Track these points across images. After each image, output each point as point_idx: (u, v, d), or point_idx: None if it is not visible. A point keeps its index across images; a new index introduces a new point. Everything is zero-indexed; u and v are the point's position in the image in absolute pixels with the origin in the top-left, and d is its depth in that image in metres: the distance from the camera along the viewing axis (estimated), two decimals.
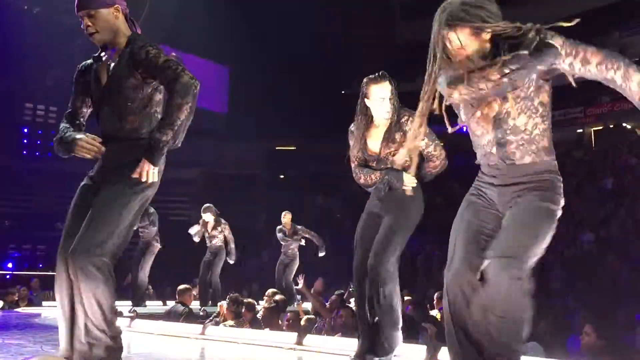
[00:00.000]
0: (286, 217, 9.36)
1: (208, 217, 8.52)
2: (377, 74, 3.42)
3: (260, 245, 16.04)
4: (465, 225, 2.33)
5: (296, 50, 21.02)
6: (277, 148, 23.11)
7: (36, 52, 16.51)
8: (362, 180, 3.51)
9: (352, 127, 3.57)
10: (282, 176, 22.94)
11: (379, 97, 3.36)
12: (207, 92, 23.51)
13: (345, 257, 17.42)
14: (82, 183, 2.73)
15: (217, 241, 8.61)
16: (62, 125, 2.79)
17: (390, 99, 3.38)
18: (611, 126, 19.45)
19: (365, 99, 3.43)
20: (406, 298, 6.40)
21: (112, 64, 2.68)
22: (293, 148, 23.18)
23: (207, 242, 8.62)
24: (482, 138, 2.34)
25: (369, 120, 3.47)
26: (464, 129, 2.49)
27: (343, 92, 23.01)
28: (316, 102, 20.74)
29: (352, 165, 3.57)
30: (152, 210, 7.87)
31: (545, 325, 4.87)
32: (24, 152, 19.60)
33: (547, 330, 4.75)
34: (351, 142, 3.55)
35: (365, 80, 3.43)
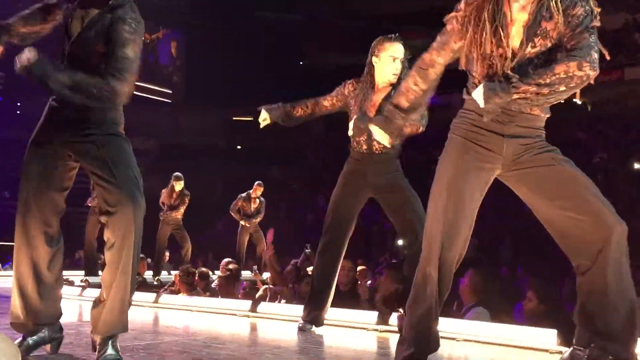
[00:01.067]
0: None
1: (179, 187, 8.46)
2: (392, 35, 3.34)
3: (215, 215, 15.95)
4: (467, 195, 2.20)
5: (254, 20, 20.71)
6: (234, 118, 22.86)
7: None
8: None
9: (351, 87, 3.45)
10: (238, 147, 22.76)
11: (390, 55, 3.28)
12: (164, 60, 23.01)
13: (301, 227, 17.66)
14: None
15: (179, 213, 8.55)
16: None
17: (402, 60, 3.30)
18: (562, 102, 19.91)
19: (374, 57, 3.32)
20: (360, 268, 6.48)
21: (89, 18, 2.42)
22: (250, 119, 22.98)
23: (167, 212, 8.48)
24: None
25: (372, 82, 3.36)
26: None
27: (301, 62, 22.85)
28: (274, 72, 20.54)
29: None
30: None
31: (494, 292, 5.02)
32: None
33: (495, 297, 4.90)
34: (343, 97, 3.46)
35: (379, 38, 3.34)
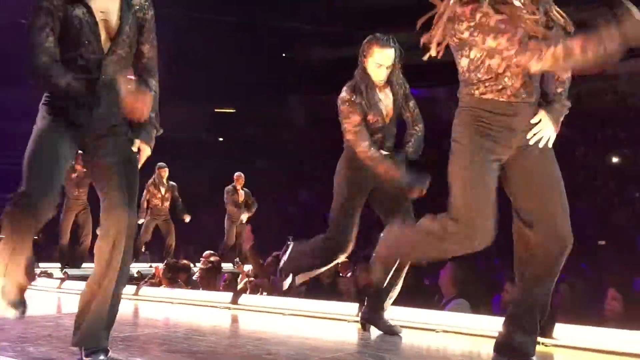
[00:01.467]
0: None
1: (165, 174, 8.46)
2: (385, 37, 3.12)
3: (198, 208, 15.88)
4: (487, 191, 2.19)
5: (236, 11, 20.55)
6: (216, 111, 22.74)
7: None
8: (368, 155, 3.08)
9: (348, 96, 3.16)
10: (221, 139, 22.66)
11: (377, 62, 3.10)
12: None
13: (285, 220, 17.61)
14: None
15: (167, 204, 8.54)
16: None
17: (389, 66, 3.12)
18: None
19: (363, 58, 3.14)
20: (342, 260, 6.47)
21: (114, 11, 2.27)
22: (233, 111, 22.87)
23: (155, 203, 8.43)
24: (505, 72, 2.15)
25: (370, 81, 3.16)
26: None
27: (284, 55, 22.77)
28: (256, 64, 20.45)
29: (352, 136, 3.11)
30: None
31: (473, 284, 5.08)
32: None
33: (475, 289, 4.96)
34: (349, 114, 3.14)
35: (369, 38, 3.14)
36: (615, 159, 13.14)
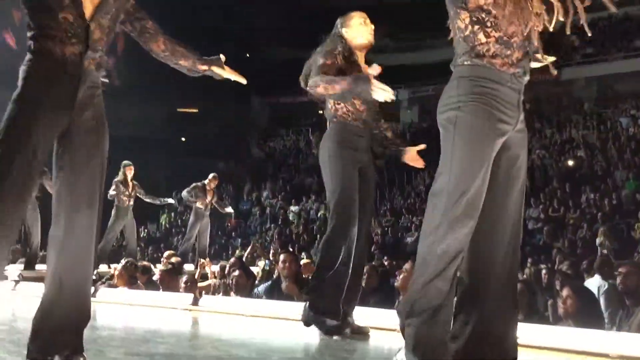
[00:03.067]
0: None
1: (130, 174, 8.27)
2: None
3: (160, 207, 15.68)
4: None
5: (199, 11, 20.38)
6: (178, 110, 22.48)
7: None
8: (319, 89, 2.98)
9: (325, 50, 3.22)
10: (183, 139, 22.42)
11: (361, 20, 3.28)
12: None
13: (247, 220, 17.45)
14: None
15: (132, 202, 8.35)
16: None
17: (371, 28, 3.30)
18: None
19: (344, 29, 3.27)
20: (304, 261, 6.49)
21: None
22: (195, 110, 22.65)
23: (122, 202, 8.24)
24: (514, 35, 2.00)
25: (347, 48, 3.24)
26: None
27: (248, 55, 22.65)
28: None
29: (316, 76, 3.05)
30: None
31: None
32: None
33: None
34: (322, 57, 3.17)
35: (341, 17, 3.34)
36: (570, 162, 13.51)
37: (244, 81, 2.72)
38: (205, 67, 2.67)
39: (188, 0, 20.11)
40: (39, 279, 6.55)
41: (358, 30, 3.30)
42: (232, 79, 2.72)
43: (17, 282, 5.51)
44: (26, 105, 2.24)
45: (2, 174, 2.17)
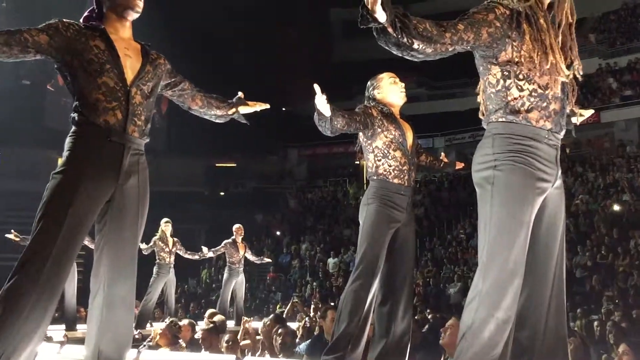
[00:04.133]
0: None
1: (169, 231, 8.38)
2: None
3: (200, 263, 15.76)
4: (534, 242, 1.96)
5: (235, 66, 20.96)
6: (216, 165, 22.88)
7: None
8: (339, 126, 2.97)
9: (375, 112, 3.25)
10: (222, 193, 22.71)
11: (390, 80, 3.34)
12: None
13: (286, 274, 17.40)
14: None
15: (173, 259, 8.41)
16: None
17: (402, 86, 3.36)
18: None
19: (376, 91, 3.33)
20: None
21: (135, 57, 2.48)
22: (233, 165, 23.00)
23: (163, 259, 8.31)
24: (549, 86, 1.97)
25: (381, 106, 3.29)
26: None
27: (283, 109, 23.07)
28: (256, 118, 20.70)
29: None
30: None
31: None
32: None
33: None
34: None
35: (370, 79, 3.40)
36: (616, 207, 13.11)
37: (267, 106, 2.94)
38: (233, 110, 2.82)
39: (223, 53, 20.74)
40: (82, 340, 6.60)
41: (389, 90, 3.36)
42: (259, 110, 2.93)
43: (62, 343, 5.54)
44: (69, 176, 2.30)
45: (47, 243, 2.23)
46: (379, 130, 3.19)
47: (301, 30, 22.98)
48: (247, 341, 5.86)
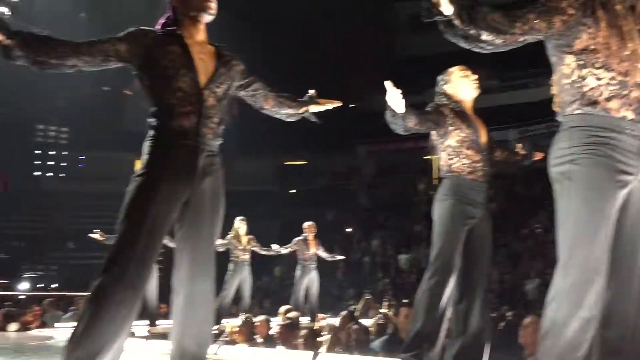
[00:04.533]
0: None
1: (243, 230, 8.63)
2: None
3: (272, 260, 16.01)
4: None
5: (303, 63, 21.09)
6: (286, 163, 23.13)
7: (46, 74, 16.64)
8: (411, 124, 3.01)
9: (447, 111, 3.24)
10: (292, 191, 22.95)
11: (461, 73, 3.31)
12: None
13: (357, 270, 17.44)
14: None
15: (248, 256, 8.65)
16: None
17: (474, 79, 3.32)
18: None
19: (447, 86, 3.31)
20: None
21: (207, 61, 2.53)
22: (303, 163, 23.19)
23: (237, 256, 8.54)
24: (629, 73, 1.87)
25: (452, 102, 3.26)
26: None
27: (352, 105, 23.03)
28: (324, 116, 20.79)
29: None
30: None
31: None
32: (37, 173, 19.71)
33: None
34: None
35: (441, 74, 3.36)
36: None
37: (338, 104, 2.92)
38: (304, 109, 2.82)
39: (289, 50, 20.94)
40: (163, 335, 6.84)
41: (460, 84, 3.31)
42: (331, 108, 2.93)
43: (146, 338, 5.76)
44: (148, 179, 2.40)
45: (129, 244, 2.32)
46: (451, 128, 3.14)
47: (366, 24, 22.84)
48: (325, 337, 5.90)
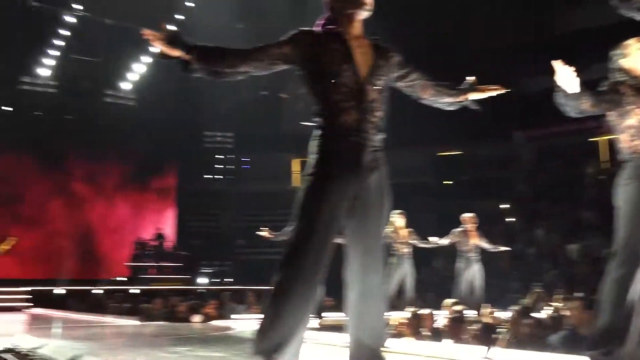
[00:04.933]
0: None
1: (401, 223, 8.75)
2: None
3: (432, 254, 15.84)
4: None
5: (459, 49, 20.52)
6: (441, 154, 22.71)
7: (208, 84, 17.99)
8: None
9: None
10: (448, 182, 22.49)
11: (639, 45, 3.04)
12: None
13: (522, 262, 16.66)
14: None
15: (408, 250, 8.73)
16: None
17: None
18: None
19: (623, 60, 3.05)
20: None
21: (362, 52, 2.59)
22: (458, 153, 22.61)
23: (397, 250, 8.65)
24: None
25: (631, 78, 3.02)
26: None
27: (509, 90, 22.03)
28: (479, 103, 20.09)
29: None
30: None
31: None
32: (207, 176, 21.25)
33: None
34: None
35: (614, 49, 3.13)
36: None
37: (501, 90, 2.86)
38: (463, 97, 2.77)
39: (444, 36, 20.49)
40: (332, 327, 7.08)
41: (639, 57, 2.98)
42: (495, 94, 2.87)
43: (317, 330, 6.00)
44: (317, 177, 2.50)
45: (304, 241, 2.45)
46: (631, 107, 2.89)
47: (520, 2, 21.65)
48: (500, 331, 5.73)
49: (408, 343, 5.12)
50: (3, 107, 17.39)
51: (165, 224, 19.16)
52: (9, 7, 15.28)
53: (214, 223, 20.30)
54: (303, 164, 20.15)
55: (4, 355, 4.30)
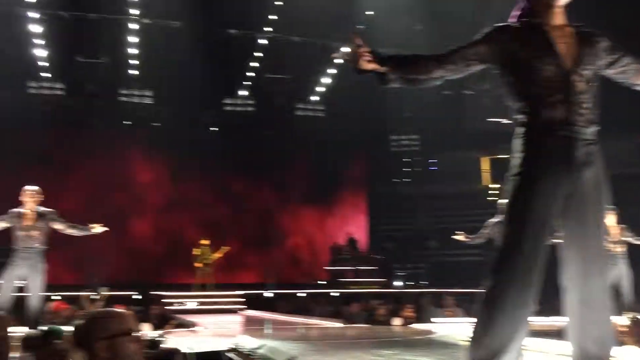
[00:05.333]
0: None
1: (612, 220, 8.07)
2: None
3: None
4: None
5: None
6: None
7: (390, 90, 18.05)
8: None
9: None
10: None
11: None
12: None
13: None
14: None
15: (622, 249, 8.02)
16: None
17: None
18: None
19: None
20: None
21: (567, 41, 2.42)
22: None
23: (612, 249, 7.97)
24: None
25: None
26: None
27: None
28: None
29: None
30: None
31: None
32: (395, 180, 21.44)
33: None
34: None
35: None
36: None
37: None
38: None
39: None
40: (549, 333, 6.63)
41: None
42: None
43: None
44: (523, 177, 2.37)
45: (515, 245, 2.33)
46: None
47: None
48: None
49: (634, 352, 4.62)
50: (210, 128, 19.30)
51: (357, 228, 19.70)
52: (210, 38, 16.92)
53: (404, 226, 20.41)
54: (493, 162, 19.61)
55: (229, 354, 4.74)
